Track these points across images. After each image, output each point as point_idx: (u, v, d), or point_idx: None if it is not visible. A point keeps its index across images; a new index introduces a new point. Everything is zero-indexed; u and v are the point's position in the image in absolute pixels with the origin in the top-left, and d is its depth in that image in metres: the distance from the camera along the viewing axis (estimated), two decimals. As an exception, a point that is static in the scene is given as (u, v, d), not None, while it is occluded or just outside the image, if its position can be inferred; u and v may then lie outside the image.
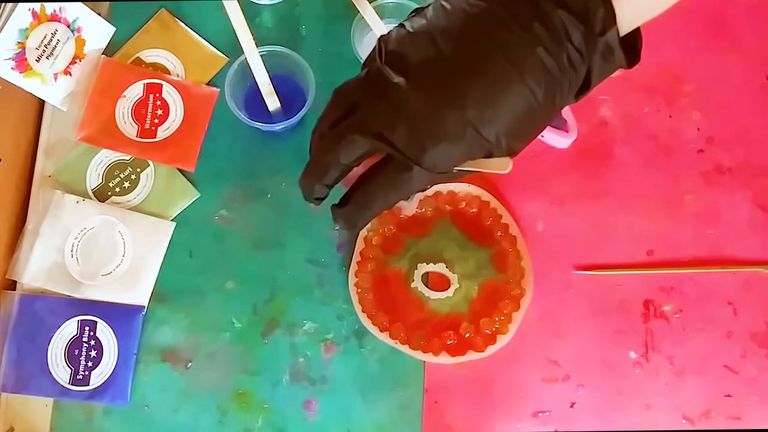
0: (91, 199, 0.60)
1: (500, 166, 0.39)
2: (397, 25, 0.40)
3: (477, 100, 0.36)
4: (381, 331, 0.57)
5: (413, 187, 0.40)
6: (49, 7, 0.58)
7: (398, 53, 0.38)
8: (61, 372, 0.57)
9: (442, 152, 0.37)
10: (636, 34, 0.39)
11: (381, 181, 0.40)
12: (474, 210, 0.60)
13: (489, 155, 0.39)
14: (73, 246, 0.59)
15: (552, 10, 0.35)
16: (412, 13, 0.40)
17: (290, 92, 0.60)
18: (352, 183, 0.42)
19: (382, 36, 0.40)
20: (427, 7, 0.39)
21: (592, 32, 0.35)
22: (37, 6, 0.57)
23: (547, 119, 0.39)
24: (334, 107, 0.41)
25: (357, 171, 0.41)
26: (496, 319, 0.57)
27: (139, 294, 0.59)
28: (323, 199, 0.43)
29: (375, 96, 0.38)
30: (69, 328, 0.58)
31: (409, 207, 0.47)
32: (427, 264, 0.58)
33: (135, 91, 0.62)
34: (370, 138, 0.38)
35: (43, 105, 0.63)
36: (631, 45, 0.38)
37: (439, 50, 0.37)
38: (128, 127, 0.62)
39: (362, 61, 0.42)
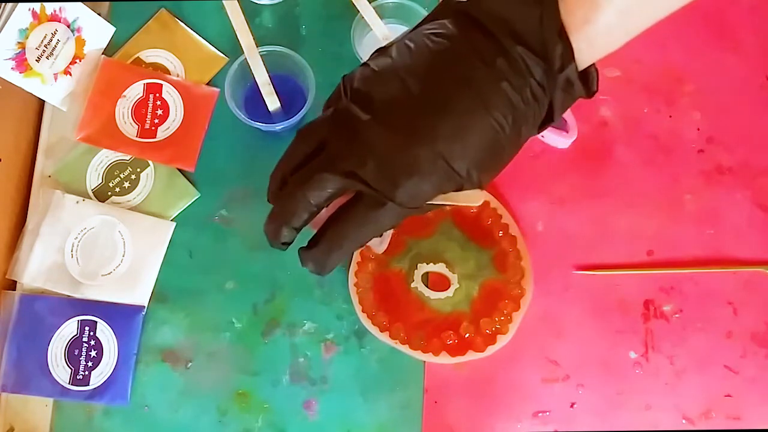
0: (91, 199, 0.60)
1: (472, 198, 0.40)
2: (360, 64, 0.40)
3: (446, 134, 0.37)
4: (381, 331, 0.57)
5: (385, 224, 0.40)
6: (49, 7, 0.58)
7: (364, 92, 0.38)
8: (61, 372, 0.57)
9: (414, 186, 0.37)
10: (591, 66, 0.39)
11: (352, 220, 0.39)
12: (474, 210, 0.60)
13: (460, 188, 0.39)
14: (73, 246, 0.59)
15: (512, 46, 0.36)
16: (374, 53, 0.41)
17: (290, 92, 0.60)
18: (320, 225, 0.41)
19: (345, 76, 0.40)
20: (390, 46, 0.40)
21: (552, 68, 0.36)
22: (37, 6, 0.57)
23: (514, 151, 0.40)
24: (298, 148, 0.41)
25: (323, 214, 0.41)
26: (496, 319, 0.57)
27: (139, 294, 0.59)
28: (290, 243, 0.42)
29: (343, 134, 0.38)
30: (69, 328, 0.58)
31: (381, 245, 0.47)
32: (427, 264, 0.58)
33: (135, 91, 0.62)
34: (341, 176, 0.38)
35: (43, 105, 0.63)
36: (588, 77, 0.39)
37: (405, 87, 0.37)
38: (128, 127, 0.62)
39: (362, 62, 0.42)
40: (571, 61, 0.37)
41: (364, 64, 0.40)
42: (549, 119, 0.39)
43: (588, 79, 0.39)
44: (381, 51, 0.40)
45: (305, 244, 0.42)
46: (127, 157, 0.61)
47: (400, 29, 0.62)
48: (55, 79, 0.61)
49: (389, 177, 0.37)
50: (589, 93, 0.39)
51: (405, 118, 0.37)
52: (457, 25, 0.38)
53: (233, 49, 0.63)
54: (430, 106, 0.37)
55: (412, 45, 0.38)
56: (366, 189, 0.38)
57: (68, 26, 0.60)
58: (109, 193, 0.61)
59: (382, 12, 0.60)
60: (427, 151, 0.37)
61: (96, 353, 0.57)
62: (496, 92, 0.36)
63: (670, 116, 0.64)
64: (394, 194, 0.38)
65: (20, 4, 0.56)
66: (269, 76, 0.58)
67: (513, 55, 0.36)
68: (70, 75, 0.62)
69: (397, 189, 0.37)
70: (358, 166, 0.38)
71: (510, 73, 0.36)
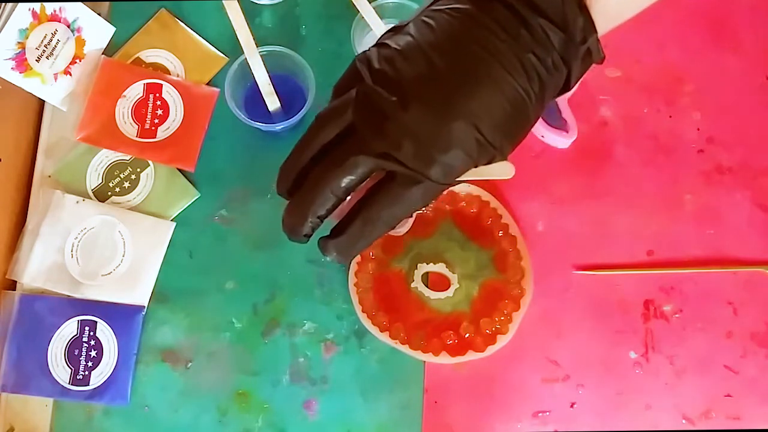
0: (91, 199, 0.60)
1: (504, 171, 0.40)
2: (374, 45, 0.40)
3: (478, 107, 0.37)
4: (381, 331, 0.57)
5: (419, 203, 0.39)
6: (49, 7, 0.58)
7: (389, 72, 0.38)
8: (61, 372, 0.57)
9: (450, 161, 0.37)
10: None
11: (384, 201, 0.39)
12: (474, 210, 0.60)
13: (491, 160, 0.39)
14: (73, 246, 0.59)
15: (532, 17, 0.36)
16: (388, 32, 0.41)
17: (290, 92, 0.60)
18: (342, 214, 0.41)
19: (359, 56, 0.40)
20: (406, 24, 0.39)
21: (573, 41, 0.37)
22: (37, 6, 0.57)
23: (536, 121, 0.40)
24: (318, 134, 0.40)
25: (344, 206, 0.41)
26: (496, 319, 0.57)
27: (139, 294, 0.59)
28: (311, 236, 0.41)
29: (372, 116, 0.38)
30: (69, 328, 0.58)
31: (404, 226, 0.47)
32: (427, 264, 0.58)
33: (135, 91, 0.62)
34: (374, 158, 0.38)
35: (43, 105, 0.63)
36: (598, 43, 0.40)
37: (432, 64, 0.37)
38: (128, 127, 0.62)
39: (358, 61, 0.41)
40: (593, 33, 0.37)
41: (381, 44, 0.39)
42: (566, 88, 0.39)
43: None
44: (395, 30, 0.40)
45: (324, 234, 0.41)
46: (127, 157, 0.61)
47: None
48: (55, 79, 0.61)
49: (424, 154, 0.37)
50: (602, 59, 0.40)
51: (435, 94, 0.37)
52: (474, 0, 0.38)
53: (233, 49, 0.63)
54: (459, 80, 0.37)
55: (431, 21, 0.38)
56: (401, 168, 0.38)
57: (68, 26, 0.60)
58: (109, 193, 0.61)
59: (382, 12, 0.60)
60: (461, 124, 0.37)
61: (96, 353, 0.57)
62: (522, 63, 0.37)
63: (670, 116, 0.64)
64: (429, 171, 0.37)
65: (20, 4, 0.55)
66: (269, 76, 0.58)
67: (534, 26, 0.36)
68: (70, 75, 0.62)
69: (432, 166, 0.37)
70: (392, 147, 0.37)
71: (534, 44, 0.37)
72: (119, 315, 0.58)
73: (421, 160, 0.37)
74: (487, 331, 0.57)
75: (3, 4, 0.55)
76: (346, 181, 0.38)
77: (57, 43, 0.60)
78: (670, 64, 0.65)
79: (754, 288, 0.60)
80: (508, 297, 0.58)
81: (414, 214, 0.43)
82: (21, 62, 0.58)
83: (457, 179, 0.39)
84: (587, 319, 0.59)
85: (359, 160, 0.38)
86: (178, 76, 0.63)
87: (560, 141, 0.61)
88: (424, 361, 0.58)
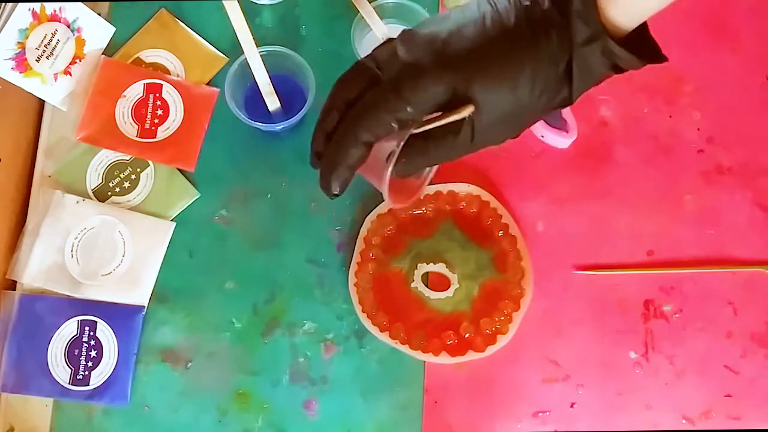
0: (91, 199, 0.60)
1: (461, 111, 0.40)
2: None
3: (452, 35, 0.41)
4: (381, 331, 0.57)
5: (383, 116, 0.40)
6: (49, 7, 0.58)
7: (409, 28, 0.43)
8: (61, 372, 0.57)
9: (412, 70, 0.40)
10: (646, 34, 0.43)
11: (357, 109, 0.41)
12: (474, 210, 0.60)
13: (454, 96, 0.41)
14: (73, 246, 0.59)
15: None
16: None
17: (290, 92, 0.60)
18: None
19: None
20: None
21: None
22: (37, 6, 0.57)
23: (526, 94, 0.42)
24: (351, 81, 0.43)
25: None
26: (496, 319, 0.57)
27: (139, 294, 0.59)
28: (342, 186, 0.43)
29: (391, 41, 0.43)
30: (69, 328, 0.58)
31: (386, 174, 0.44)
32: (428, 264, 0.58)
33: (135, 91, 0.62)
34: (367, 60, 0.42)
35: (43, 105, 0.63)
36: (643, 43, 0.42)
37: (442, 28, 0.42)
38: (128, 127, 0.62)
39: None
40: None
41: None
42: (569, 70, 0.42)
43: (639, 43, 0.41)
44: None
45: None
46: (127, 157, 0.61)
47: (400, 29, 0.61)
48: (55, 79, 0.61)
49: (398, 62, 0.41)
50: (645, 58, 0.42)
51: (426, 38, 0.42)
52: None
53: (233, 49, 0.63)
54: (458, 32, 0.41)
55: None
56: (372, 65, 0.42)
57: (68, 26, 0.60)
58: (109, 193, 0.61)
59: (382, 12, 0.60)
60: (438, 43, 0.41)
61: (96, 353, 0.57)
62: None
63: (670, 116, 0.64)
64: (392, 72, 0.41)
65: (20, 4, 0.56)
66: (269, 76, 0.58)
67: None
68: (70, 75, 0.62)
69: (397, 66, 0.41)
70: (380, 52, 0.42)
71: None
72: (119, 315, 0.58)
73: (394, 65, 0.41)
74: (487, 331, 0.57)
75: (3, 4, 0.55)
76: (339, 97, 0.42)
77: (57, 43, 0.60)
78: (670, 64, 0.64)
79: (754, 288, 0.60)
80: (508, 297, 0.58)
81: (387, 174, 0.42)
82: (21, 62, 0.58)
83: (422, 119, 0.41)
84: (587, 319, 0.59)
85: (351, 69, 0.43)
86: (178, 76, 0.63)
87: (560, 141, 0.61)
88: (424, 361, 0.58)
